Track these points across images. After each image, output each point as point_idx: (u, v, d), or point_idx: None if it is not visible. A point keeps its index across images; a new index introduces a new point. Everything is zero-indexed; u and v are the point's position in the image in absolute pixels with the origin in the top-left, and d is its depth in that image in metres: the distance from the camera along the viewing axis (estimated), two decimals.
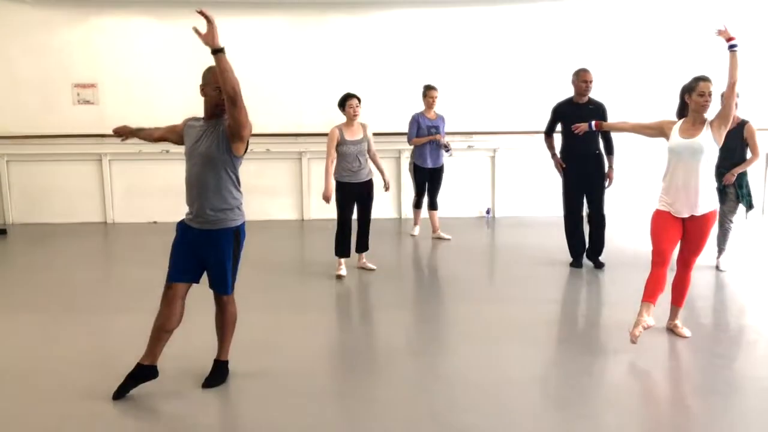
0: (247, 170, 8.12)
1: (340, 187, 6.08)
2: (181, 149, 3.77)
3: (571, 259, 6.43)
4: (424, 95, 7.68)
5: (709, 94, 4.30)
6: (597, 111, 6.04)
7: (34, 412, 3.57)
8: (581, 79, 6.09)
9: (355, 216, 6.24)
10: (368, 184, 6.17)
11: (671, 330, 4.65)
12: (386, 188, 6.51)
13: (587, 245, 6.41)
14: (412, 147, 7.75)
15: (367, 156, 6.15)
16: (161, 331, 3.72)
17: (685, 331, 4.59)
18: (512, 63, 8.87)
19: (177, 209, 3.80)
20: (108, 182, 8.87)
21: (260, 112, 8.35)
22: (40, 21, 8.55)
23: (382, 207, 8.99)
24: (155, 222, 8.77)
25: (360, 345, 4.67)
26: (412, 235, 8.03)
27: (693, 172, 4.33)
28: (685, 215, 4.41)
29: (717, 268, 6.16)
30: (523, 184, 8.94)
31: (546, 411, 3.62)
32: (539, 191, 8.61)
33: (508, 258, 7.24)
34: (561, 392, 3.85)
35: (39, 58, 8.57)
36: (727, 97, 4.29)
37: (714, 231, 5.79)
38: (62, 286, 5.96)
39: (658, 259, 4.42)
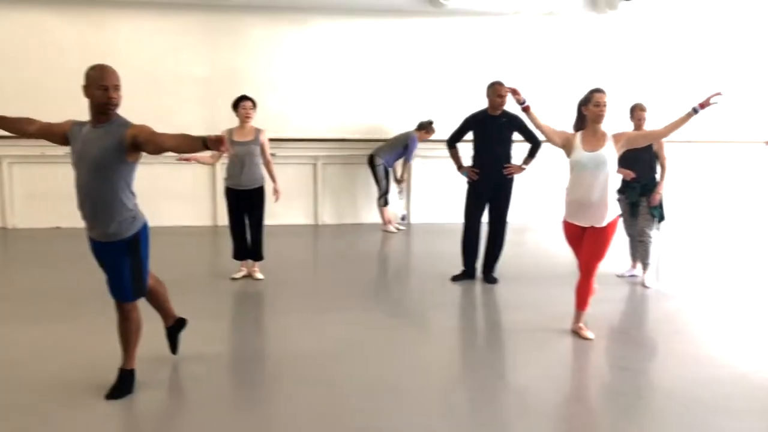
0: (157, 174, 8.05)
1: (225, 191, 6.07)
2: None
3: (460, 270, 6.27)
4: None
5: (604, 105, 4.53)
6: (511, 123, 5.96)
7: None
8: (496, 93, 5.86)
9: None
10: (254, 192, 5.99)
11: (575, 332, 4.85)
12: (276, 198, 6.15)
13: (482, 258, 6.27)
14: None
15: (258, 162, 5.95)
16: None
17: (589, 334, 4.78)
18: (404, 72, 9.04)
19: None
20: (7, 186, 8.41)
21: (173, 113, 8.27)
22: None
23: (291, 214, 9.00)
24: (58, 227, 8.39)
25: (263, 352, 4.61)
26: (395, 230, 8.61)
27: (596, 183, 4.53)
28: (587, 225, 4.63)
29: (643, 284, 6.15)
30: (440, 191, 9.08)
31: (455, 414, 3.68)
32: (455, 198, 8.75)
33: (416, 265, 7.37)
34: (470, 395, 3.93)
35: None
36: (649, 137, 4.94)
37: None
38: None
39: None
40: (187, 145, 3.37)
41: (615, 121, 4.84)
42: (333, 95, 8.92)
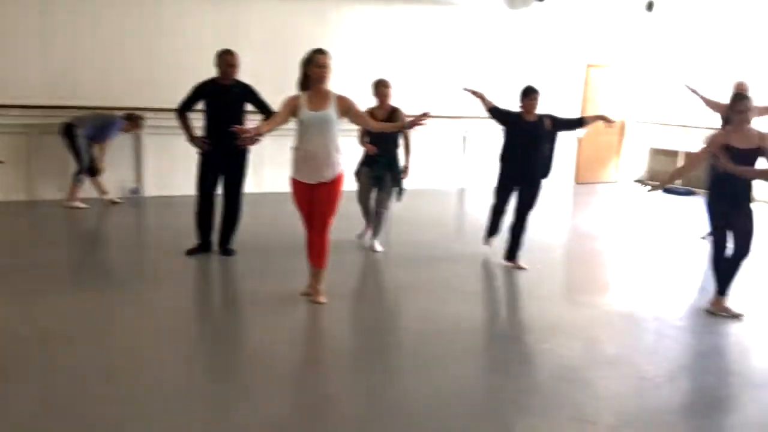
0: None
1: None
2: None
3: (195, 244, 6.11)
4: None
5: (325, 66, 4.62)
6: (244, 92, 5.88)
7: None
8: (225, 63, 5.76)
9: None
10: None
11: (311, 294, 4.98)
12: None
13: (218, 230, 6.17)
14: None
15: None
16: None
17: (322, 298, 4.95)
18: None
19: None
20: None
21: None
22: None
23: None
24: None
25: None
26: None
27: (322, 141, 4.67)
28: (315, 182, 4.75)
29: (372, 249, 6.51)
30: (173, 162, 8.63)
31: (194, 384, 3.66)
32: (190, 169, 8.43)
33: (149, 240, 7.14)
34: (208, 365, 3.92)
35: None
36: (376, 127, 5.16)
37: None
38: None
39: (306, 224, 4.88)
40: None
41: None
42: (51, 53, 8.02)
